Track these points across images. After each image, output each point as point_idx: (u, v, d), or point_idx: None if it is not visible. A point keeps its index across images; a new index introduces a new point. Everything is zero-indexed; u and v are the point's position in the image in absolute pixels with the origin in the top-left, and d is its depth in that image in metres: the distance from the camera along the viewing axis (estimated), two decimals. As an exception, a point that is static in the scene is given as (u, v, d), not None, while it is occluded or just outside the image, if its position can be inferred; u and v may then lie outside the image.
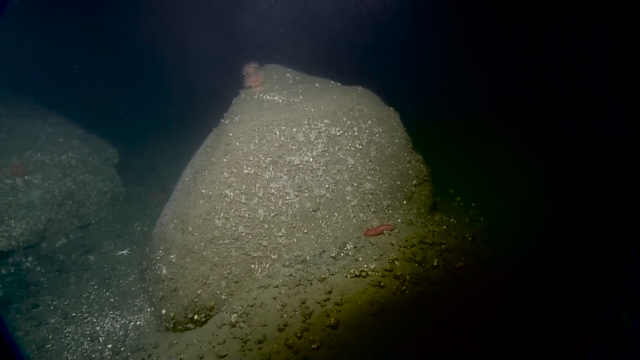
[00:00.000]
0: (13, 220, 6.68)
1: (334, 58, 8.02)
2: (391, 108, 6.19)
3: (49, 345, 4.91)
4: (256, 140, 5.21)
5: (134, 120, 9.30)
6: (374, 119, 5.79)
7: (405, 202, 5.68)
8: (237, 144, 5.16)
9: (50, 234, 7.10)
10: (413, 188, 5.78)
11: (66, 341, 4.96)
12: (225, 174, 5.00)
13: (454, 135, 7.67)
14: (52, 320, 5.34)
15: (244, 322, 4.29)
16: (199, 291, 4.54)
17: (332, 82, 6.79)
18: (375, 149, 5.67)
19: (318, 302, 4.28)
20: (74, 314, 5.43)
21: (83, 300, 5.70)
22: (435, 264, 4.55)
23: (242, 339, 4.08)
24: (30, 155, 7.06)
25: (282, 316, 4.21)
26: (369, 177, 5.57)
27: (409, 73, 8.26)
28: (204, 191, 4.96)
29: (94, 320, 5.30)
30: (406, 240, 4.99)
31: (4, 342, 1.97)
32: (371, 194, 5.52)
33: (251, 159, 5.12)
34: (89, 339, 4.96)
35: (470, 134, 7.56)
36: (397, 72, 8.17)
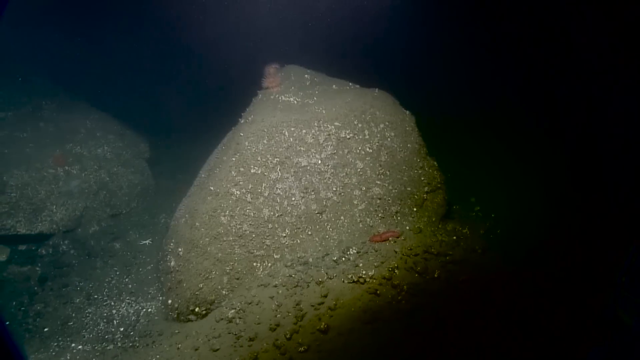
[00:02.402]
0: (55, 207, 7.34)
1: (355, 59, 7.95)
2: (407, 112, 6.01)
3: (71, 323, 5.37)
4: (265, 141, 5.31)
5: (165, 117, 9.87)
6: (387, 123, 5.66)
7: (415, 209, 5.50)
8: (246, 143, 5.28)
9: (86, 220, 7.72)
10: (424, 195, 5.57)
11: (86, 320, 5.39)
12: (233, 172, 5.15)
13: (480, 141, 7.28)
14: (77, 300, 5.81)
15: (240, 318, 4.40)
16: (201, 285, 4.72)
17: (350, 83, 6.73)
18: (386, 153, 5.54)
19: (312, 305, 4.28)
20: (96, 296, 5.88)
21: (105, 284, 6.15)
22: (436, 275, 4.37)
23: (235, 334, 4.19)
24: (70, 147, 7.73)
25: (276, 316, 4.27)
26: (378, 182, 5.45)
27: (429, 76, 7.96)
28: (212, 188, 5.14)
29: (112, 303, 5.70)
30: (410, 249, 4.84)
31: (4, 342, 1.96)
32: (379, 199, 5.40)
33: (259, 158, 5.22)
34: (105, 320, 5.35)
35: (495, 140, 7.15)
36: (416, 75, 7.91)
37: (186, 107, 9.91)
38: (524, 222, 5.59)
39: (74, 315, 5.52)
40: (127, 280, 6.26)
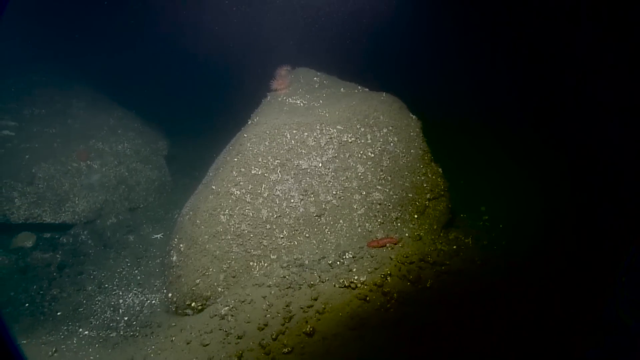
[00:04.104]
0: (77, 198, 7.80)
1: (366, 62, 7.91)
2: (413, 117, 5.91)
3: (82, 309, 5.68)
4: (267, 142, 5.39)
5: (184, 116, 10.26)
6: (390, 127, 5.59)
7: (416, 216, 5.40)
8: (248, 144, 5.39)
9: (105, 212, 8.15)
10: (426, 202, 5.45)
11: (95, 307, 5.69)
12: (234, 172, 5.27)
13: (487, 147, 7.03)
14: (89, 288, 6.15)
15: (232, 316, 4.50)
16: (198, 281, 4.87)
17: (359, 87, 6.70)
18: (389, 158, 5.47)
19: (301, 308, 4.31)
20: (106, 285, 6.20)
21: (116, 275, 6.46)
22: (428, 285, 4.27)
23: (226, 331, 4.30)
24: (93, 143, 8.19)
25: (266, 316, 4.33)
26: (379, 187, 5.40)
27: (440, 81, 7.77)
28: (214, 187, 5.29)
29: (120, 293, 5.99)
30: (406, 257, 4.76)
31: (4, 342, 1.95)
32: (379, 204, 5.35)
33: (260, 160, 5.31)
34: (112, 309, 5.63)
35: (502, 148, 6.89)
36: (427, 80, 7.74)
37: (204, 107, 10.24)
38: (530, 232, 5.35)
39: (85, 302, 5.85)
40: (136, 272, 6.55)
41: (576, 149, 6.13)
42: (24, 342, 4.96)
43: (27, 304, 5.83)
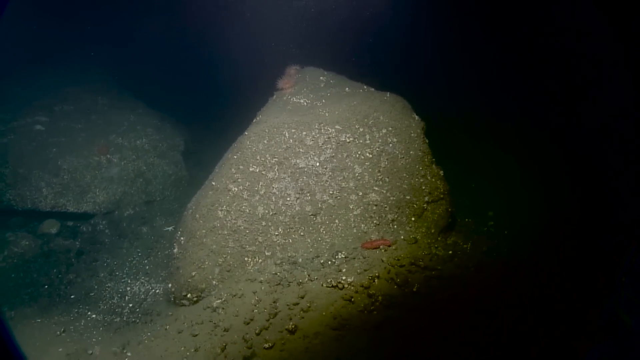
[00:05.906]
0: (97, 190, 8.28)
1: (375, 62, 7.82)
2: (416, 117, 5.79)
3: (92, 294, 6.06)
4: (265, 141, 5.48)
5: (202, 114, 10.62)
6: (390, 128, 5.51)
7: (413, 218, 5.30)
8: (248, 142, 5.51)
9: (123, 204, 8.59)
10: (425, 205, 5.34)
11: (104, 293, 6.04)
12: (232, 169, 5.41)
13: (495, 150, 6.74)
14: (101, 275, 6.53)
15: (222, 309, 4.64)
16: (194, 273, 5.05)
17: (364, 86, 6.64)
18: (387, 159, 5.40)
19: (287, 305, 4.37)
20: (117, 273, 6.55)
21: (127, 264, 6.82)
22: (415, 289, 4.19)
23: (215, 323, 4.44)
24: (113, 138, 8.65)
25: (253, 311, 4.43)
26: (376, 188, 5.34)
27: (449, 82, 7.52)
28: (213, 183, 5.46)
29: (129, 281, 6.32)
30: (397, 259, 4.69)
31: (4, 342, 1.95)
32: (376, 205, 5.30)
33: (258, 158, 5.41)
34: (119, 295, 5.95)
35: (509, 151, 6.58)
36: (437, 80, 7.51)
37: (220, 105, 10.54)
38: (533, 237, 5.12)
39: (96, 287, 6.22)
40: (145, 262, 6.88)
41: (579, 150, 5.84)
42: (39, 320, 5.38)
43: (46, 286, 6.29)
